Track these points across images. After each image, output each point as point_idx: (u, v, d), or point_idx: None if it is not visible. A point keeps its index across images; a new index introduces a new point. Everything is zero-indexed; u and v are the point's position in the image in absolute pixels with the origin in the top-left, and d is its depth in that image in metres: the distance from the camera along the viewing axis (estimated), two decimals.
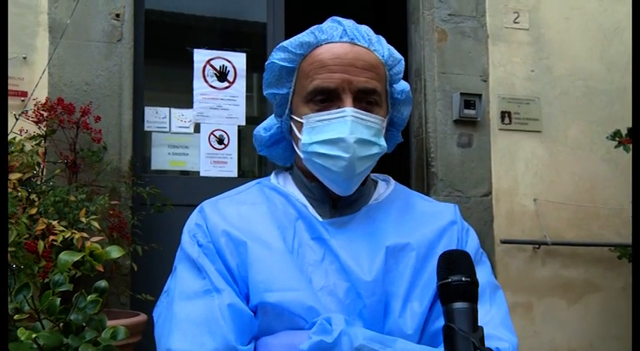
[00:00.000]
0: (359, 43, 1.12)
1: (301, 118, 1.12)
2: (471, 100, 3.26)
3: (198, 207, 1.18)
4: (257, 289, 1.05)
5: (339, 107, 1.09)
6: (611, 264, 3.38)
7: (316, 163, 1.11)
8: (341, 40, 1.12)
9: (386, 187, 1.24)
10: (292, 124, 1.17)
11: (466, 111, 3.25)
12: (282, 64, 1.15)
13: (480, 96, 3.29)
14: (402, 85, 1.19)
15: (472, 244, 1.18)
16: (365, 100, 1.10)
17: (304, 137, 1.11)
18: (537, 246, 3.33)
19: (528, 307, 3.29)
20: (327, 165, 1.09)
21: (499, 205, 3.32)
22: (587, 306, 3.40)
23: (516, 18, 3.47)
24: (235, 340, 1.00)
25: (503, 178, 3.35)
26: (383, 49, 1.15)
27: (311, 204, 1.16)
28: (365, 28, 1.15)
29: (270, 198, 1.18)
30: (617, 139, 3.04)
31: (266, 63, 1.19)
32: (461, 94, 3.25)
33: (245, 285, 1.06)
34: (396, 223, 1.15)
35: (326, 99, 1.10)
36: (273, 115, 1.26)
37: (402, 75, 1.19)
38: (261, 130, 1.26)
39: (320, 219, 1.13)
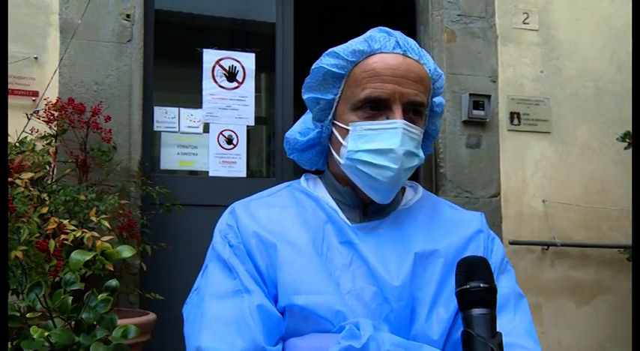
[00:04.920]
0: (410, 56, 1.13)
1: (347, 125, 1.13)
2: (480, 101, 3.26)
3: (230, 208, 1.19)
4: (285, 291, 1.06)
5: (387, 117, 1.10)
6: (620, 266, 3.37)
7: (360, 171, 1.11)
8: (394, 51, 1.12)
9: (414, 194, 1.25)
10: (334, 130, 1.17)
11: (475, 112, 3.24)
12: (332, 69, 1.15)
13: (489, 97, 3.28)
14: (440, 99, 1.21)
15: (498, 253, 1.19)
16: (412, 111, 1.12)
17: (350, 144, 1.11)
18: (546, 247, 3.32)
19: (537, 308, 3.28)
20: (373, 174, 1.10)
21: (508, 206, 3.31)
22: (596, 308, 3.39)
23: (526, 19, 3.46)
24: (264, 341, 1.01)
25: (512, 179, 3.35)
26: (429, 62, 1.16)
27: (341, 208, 1.17)
28: (413, 41, 1.16)
29: (300, 201, 1.19)
30: (627, 140, 3.03)
31: (312, 67, 1.18)
32: (470, 94, 3.24)
33: (274, 286, 1.08)
34: (425, 230, 1.16)
35: (375, 108, 1.11)
36: (303, 119, 1.27)
37: (442, 89, 1.21)
38: (297, 134, 1.26)
39: (349, 223, 1.14)
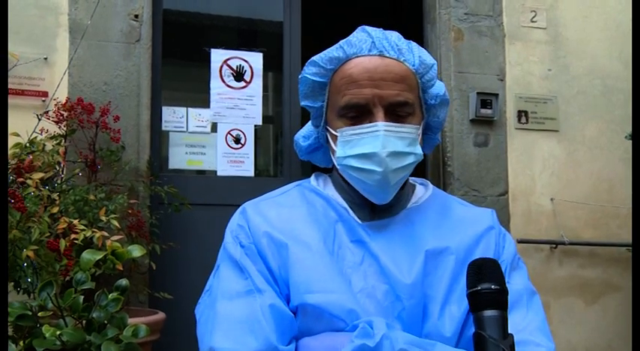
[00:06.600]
0: (388, 55, 1.12)
1: (336, 131, 1.14)
2: (487, 100, 3.25)
3: (240, 208, 1.20)
4: (297, 290, 1.06)
5: (370, 121, 1.10)
6: (628, 264, 3.36)
7: (351, 175, 1.13)
8: (370, 54, 1.12)
9: (424, 191, 1.25)
10: (328, 135, 1.19)
11: (483, 110, 3.24)
12: (313, 78, 1.16)
13: (496, 95, 3.28)
14: (437, 89, 1.18)
15: (509, 250, 1.19)
16: (397, 112, 1.11)
17: (339, 150, 1.13)
18: (554, 246, 3.31)
19: (545, 307, 3.23)
20: (362, 178, 1.11)
21: (516, 205, 3.31)
22: (604, 306, 3.38)
23: (533, 17, 3.45)
24: (277, 340, 1.02)
25: (520, 178, 3.34)
26: (414, 57, 1.14)
27: (350, 207, 1.17)
28: (395, 37, 1.15)
29: (311, 200, 1.19)
30: None
31: (299, 76, 1.20)
32: (477, 93, 3.24)
33: (286, 286, 1.08)
34: (435, 227, 1.16)
35: (358, 113, 1.11)
36: (310, 121, 1.28)
37: (434, 81, 1.18)
38: (300, 138, 1.28)
39: (359, 222, 1.15)
